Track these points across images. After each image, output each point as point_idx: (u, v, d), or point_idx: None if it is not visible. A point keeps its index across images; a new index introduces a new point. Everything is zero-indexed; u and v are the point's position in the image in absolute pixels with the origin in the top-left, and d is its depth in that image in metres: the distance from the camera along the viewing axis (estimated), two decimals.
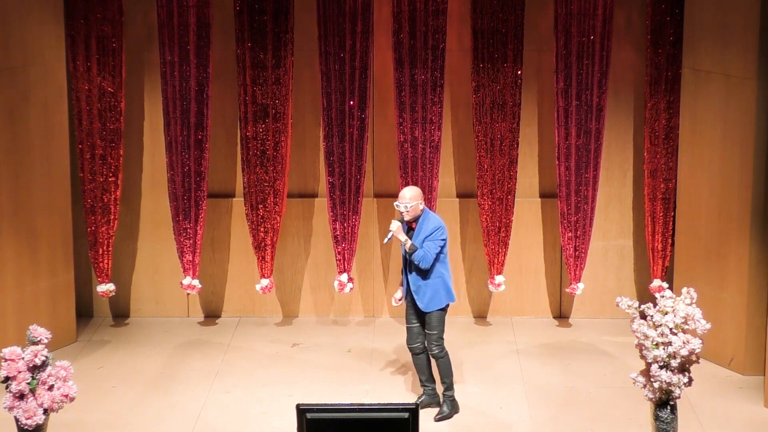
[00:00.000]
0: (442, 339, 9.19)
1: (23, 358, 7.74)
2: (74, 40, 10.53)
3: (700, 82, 10.14)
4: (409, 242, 9.03)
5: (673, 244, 10.74)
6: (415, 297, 9.14)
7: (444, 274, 9.15)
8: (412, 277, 9.13)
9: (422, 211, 9.13)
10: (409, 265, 9.15)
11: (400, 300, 9.31)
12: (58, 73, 10.30)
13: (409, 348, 9.33)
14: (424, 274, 9.09)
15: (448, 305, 9.21)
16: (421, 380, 9.36)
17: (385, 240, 9.13)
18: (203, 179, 10.71)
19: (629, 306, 8.11)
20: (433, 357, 9.23)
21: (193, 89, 10.56)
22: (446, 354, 9.21)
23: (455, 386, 9.33)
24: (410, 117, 10.59)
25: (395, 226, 9.06)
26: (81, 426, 9.07)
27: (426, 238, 9.05)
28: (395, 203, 9.14)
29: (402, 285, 9.28)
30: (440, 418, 9.18)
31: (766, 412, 9.36)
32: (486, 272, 11.02)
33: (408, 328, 9.29)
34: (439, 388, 9.32)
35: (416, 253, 9.03)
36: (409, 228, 9.16)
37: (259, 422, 9.20)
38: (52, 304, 10.40)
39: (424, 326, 9.21)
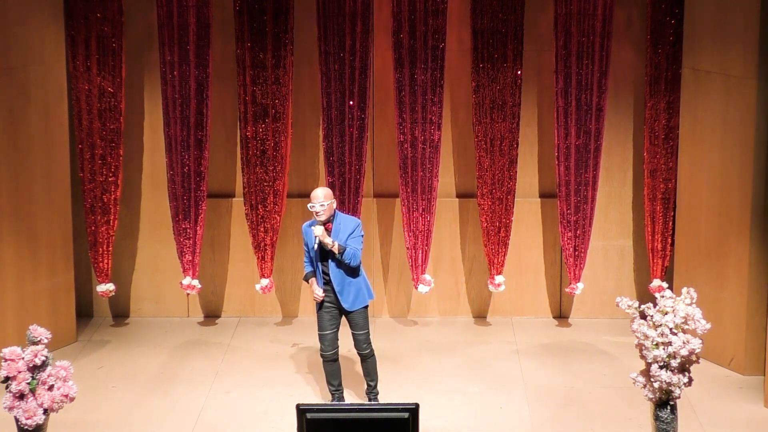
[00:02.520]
0: (370, 337, 9.19)
1: (23, 358, 7.74)
2: (74, 40, 10.53)
3: (700, 82, 10.14)
4: (337, 243, 8.96)
5: (673, 244, 10.74)
6: (340, 298, 9.05)
7: (362, 271, 9.17)
8: (337, 278, 9.05)
9: (334, 210, 9.10)
10: (328, 266, 9.04)
11: (321, 296, 9.15)
12: (58, 73, 10.31)
13: (327, 355, 9.17)
14: (352, 272, 9.06)
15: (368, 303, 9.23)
16: (333, 385, 9.24)
17: (315, 245, 8.96)
18: (203, 179, 10.71)
19: (629, 306, 8.11)
20: (366, 357, 9.20)
21: (193, 89, 10.56)
22: (374, 353, 9.24)
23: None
24: (410, 117, 10.59)
25: (320, 230, 8.94)
26: (81, 426, 9.07)
27: (350, 235, 9.03)
28: (309, 205, 9.01)
29: (316, 282, 9.14)
30: None
31: (766, 412, 9.36)
32: (486, 272, 11.02)
33: (324, 336, 9.15)
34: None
35: (346, 252, 8.96)
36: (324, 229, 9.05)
37: (259, 422, 9.20)
38: (52, 304, 10.40)
39: (338, 329, 9.16)
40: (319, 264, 9.09)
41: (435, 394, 9.65)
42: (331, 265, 9.05)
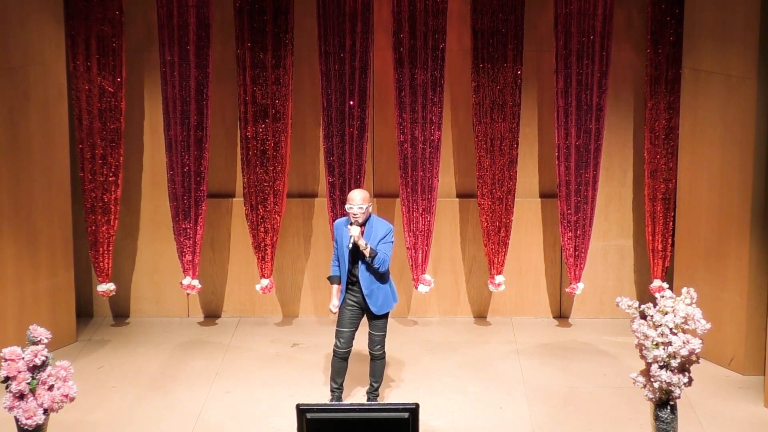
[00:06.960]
0: (385, 340, 9.22)
1: (23, 358, 7.74)
2: (74, 40, 10.53)
3: (700, 82, 10.14)
4: (369, 247, 8.95)
5: (673, 244, 10.74)
6: (368, 300, 9.05)
7: (390, 275, 9.20)
8: (366, 281, 9.05)
9: (369, 214, 9.11)
10: (358, 268, 9.05)
11: (337, 307, 9.19)
12: (58, 73, 10.30)
13: (340, 352, 9.17)
14: (381, 277, 9.07)
15: None
16: (337, 382, 9.26)
17: (350, 245, 8.98)
18: (203, 179, 10.71)
19: (629, 306, 8.11)
20: (377, 358, 9.23)
21: (193, 89, 10.56)
22: (385, 356, 9.28)
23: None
24: (410, 117, 10.59)
25: (357, 231, 8.94)
26: (81, 426, 9.07)
27: (381, 240, 9.02)
28: (347, 206, 9.01)
29: (339, 291, 9.15)
30: None
31: (766, 412, 9.36)
32: (486, 272, 11.02)
33: (341, 332, 9.15)
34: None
35: (376, 257, 8.96)
36: None
37: (259, 422, 9.20)
38: (52, 304, 10.40)
39: (356, 329, 9.18)
40: (348, 264, 9.07)
41: (435, 394, 9.65)
42: (361, 268, 9.05)
